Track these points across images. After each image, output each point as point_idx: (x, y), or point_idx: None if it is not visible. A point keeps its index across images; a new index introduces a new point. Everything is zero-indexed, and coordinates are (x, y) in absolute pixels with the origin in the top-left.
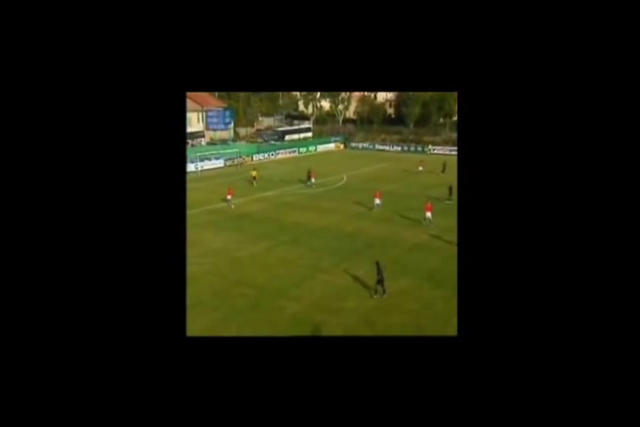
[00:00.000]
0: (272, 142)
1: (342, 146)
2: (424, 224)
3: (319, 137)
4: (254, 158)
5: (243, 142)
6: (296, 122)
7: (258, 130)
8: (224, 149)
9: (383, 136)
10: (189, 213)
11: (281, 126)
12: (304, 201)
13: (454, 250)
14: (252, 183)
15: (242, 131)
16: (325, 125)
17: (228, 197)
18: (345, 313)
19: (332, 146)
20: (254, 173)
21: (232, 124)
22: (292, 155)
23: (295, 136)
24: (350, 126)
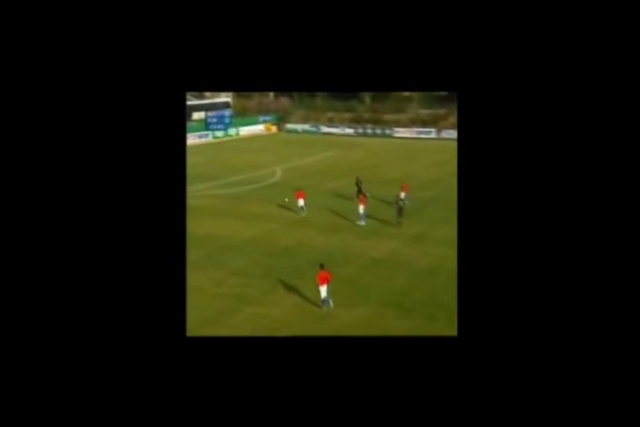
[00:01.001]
0: None
1: (274, 128)
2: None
3: (242, 116)
4: None
5: None
6: (208, 94)
7: None
8: None
9: (330, 114)
10: None
11: (187, 100)
12: (222, 204)
13: (424, 265)
14: None
15: None
16: (251, 99)
17: (300, 201)
18: None
19: (260, 128)
20: None
21: (232, 126)
22: (203, 140)
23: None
24: (285, 101)
